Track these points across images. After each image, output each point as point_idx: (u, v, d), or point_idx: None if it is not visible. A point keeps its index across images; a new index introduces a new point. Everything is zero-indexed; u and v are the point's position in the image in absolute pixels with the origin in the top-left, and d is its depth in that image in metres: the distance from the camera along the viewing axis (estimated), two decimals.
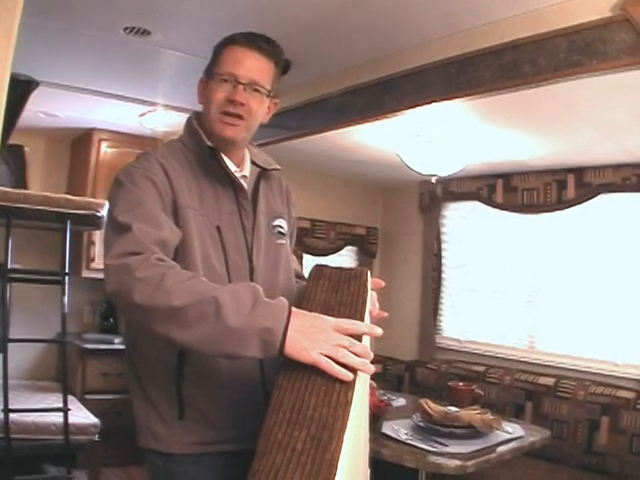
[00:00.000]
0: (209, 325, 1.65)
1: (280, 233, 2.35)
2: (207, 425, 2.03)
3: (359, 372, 1.61)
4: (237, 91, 2.11)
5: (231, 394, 2.05)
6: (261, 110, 2.22)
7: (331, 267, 1.91)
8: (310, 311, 1.74)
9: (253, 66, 2.14)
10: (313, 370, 1.59)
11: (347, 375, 1.57)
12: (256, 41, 2.16)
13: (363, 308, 1.76)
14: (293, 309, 1.67)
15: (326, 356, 1.59)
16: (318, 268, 1.91)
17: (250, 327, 1.63)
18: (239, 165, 2.28)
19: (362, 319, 1.73)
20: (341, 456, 1.41)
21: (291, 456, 1.42)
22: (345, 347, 1.62)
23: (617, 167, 5.43)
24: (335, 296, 1.80)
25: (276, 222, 2.34)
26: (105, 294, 1.83)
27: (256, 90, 2.15)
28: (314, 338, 1.62)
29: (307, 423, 1.48)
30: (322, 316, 1.69)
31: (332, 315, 1.72)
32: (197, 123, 2.22)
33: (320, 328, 1.64)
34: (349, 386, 1.55)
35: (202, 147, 2.16)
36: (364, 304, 1.78)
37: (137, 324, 1.86)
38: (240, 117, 2.14)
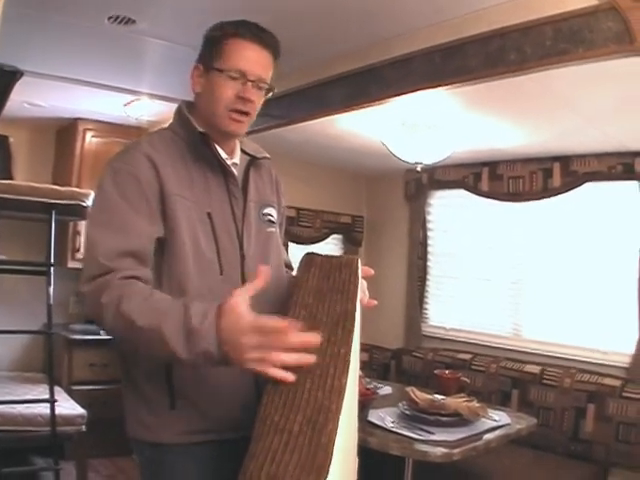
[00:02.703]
0: (161, 352, 1.74)
1: (270, 221, 2.36)
2: (197, 414, 2.04)
3: (351, 363, 1.62)
4: (247, 89, 2.12)
5: (221, 384, 2.05)
6: (260, 104, 2.23)
7: (322, 255, 1.92)
8: (303, 298, 1.77)
9: (260, 63, 2.15)
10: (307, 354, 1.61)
11: (285, 377, 1.58)
12: (261, 36, 2.15)
13: (355, 294, 1.78)
14: (220, 322, 1.65)
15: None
16: (309, 256, 1.92)
17: (194, 356, 1.68)
18: (230, 153, 2.28)
19: (354, 305, 1.74)
20: (337, 439, 1.44)
21: (288, 438, 1.45)
22: (273, 346, 1.61)
23: (603, 156, 5.44)
24: (327, 283, 1.81)
25: (266, 210, 2.36)
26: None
27: (260, 87, 2.16)
28: (239, 348, 1.62)
29: (303, 406, 1.50)
30: (241, 316, 1.64)
31: (325, 302, 1.75)
32: (188, 111, 2.22)
33: (240, 332, 1.63)
34: (343, 370, 1.57)
35: (193, 134, 2.16)
36: (355, 291, 1.80)
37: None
38: (247, 114, 2.16)
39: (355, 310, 1.74)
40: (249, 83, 2.12)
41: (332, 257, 1.91)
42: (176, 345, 1.67)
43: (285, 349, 1.59)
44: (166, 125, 2.32)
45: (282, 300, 2.23)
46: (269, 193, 2.43)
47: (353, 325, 1.70)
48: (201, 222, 2.10)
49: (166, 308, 1.74)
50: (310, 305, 1.76)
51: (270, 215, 2.37)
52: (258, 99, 2.18)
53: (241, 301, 1.63)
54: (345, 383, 1.55)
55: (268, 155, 2.45)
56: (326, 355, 1.61)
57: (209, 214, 2.12)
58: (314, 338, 1.60)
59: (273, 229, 2.37)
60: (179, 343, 1.67)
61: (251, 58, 2.13)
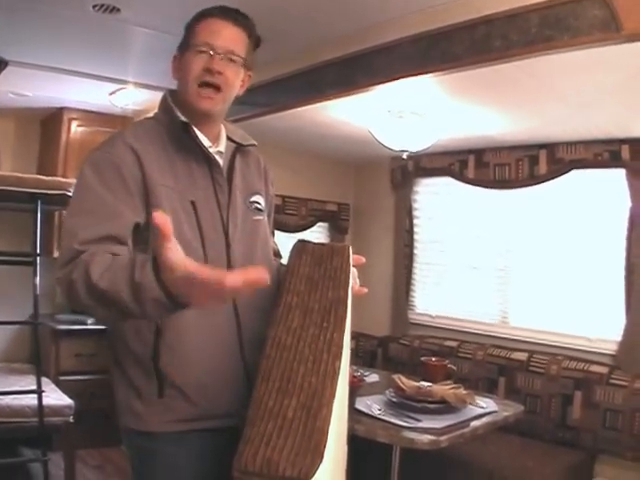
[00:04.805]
0: (124, 313, 1.71)
1: (257, 209, 2.36)
2: (186, 402, 2.04)
3: (343, 348, 1.63)
4: (214, 60, 2.12)
5: (210, 371, 2.06)
6: (237, 81, 2.23)
7: (313, 243, 1.94)
8: (295, 285, 1.78)
9: (228, 36, 2.16)
10: (300, 340, 1.63)
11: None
12: (230, 13, 2.18)
13: (346, 282, 1.80)
14: (159, 274, 1.60)
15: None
16: (301, 244, 1.94)
17: (148, 308, 1.65)
18: (214, 141, 2.28)
19: (346, 292, 1.76)
20: (331, 424, 1.46)
21: (282, 423, 1.47)
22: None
23: (589, 143, 5.44)
24: (319, 270, 1.83)
25: (253, 198, 2.35)
26: None
27: (232, 60, 2.16)
28: (185, 295, 1.59)
29: (297, 392, 1.51)
30: (172, 269, 1.55)
31: (316, 289, 1.76)
32: (172, 100, 2.22)
33: (177, 284, 1.58)
34: (336, 356, 1.59)
35: (176, 123, 2.15)
36: (347, 278, 1.82)
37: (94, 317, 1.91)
38: (218, 88, 2.15)
39: (347, 297, 1.76)
40: (217, 55, 2.13)
41: (324, 245, 1.93)
42: (129, 302, 1.65)
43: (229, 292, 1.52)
44: (151, 114, 2.32)
45: (269, 288, 2.25)
46: (256, 181, 2.43)
47: (345, 311, 1.71)
48: (185, 211, 2.10)
49: (118, 268, 1.71)
50: (302, 292, 1.77)
51: (257, 203, 2.37)
52: (231, 73, 2.18)
53: (169, 254, 1.53)
54: (338, 367, 1.57)
55: (255, 142, 2.44)
56: (319, 341, 1.63)
57: (193, 203, 2.12)
58: (257, 274, 1.50)
59: (260, 217, 2.37)
60: (130, 299, 1.65)
61: (218, 31, 2.15)
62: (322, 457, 1.40)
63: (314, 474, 1.38)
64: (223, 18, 2.16)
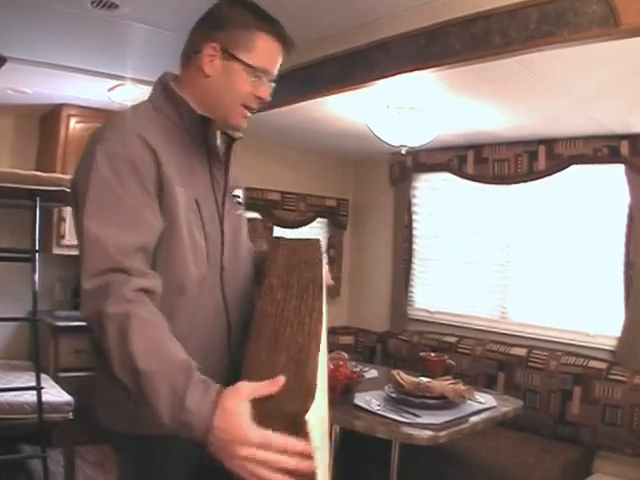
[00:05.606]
0: (142, 401, 1.63)
1: (239, 203, 2.31)
2: None
3: (323, 316, 1.72)
4: (266, 88, 2.11)
5: (204, 370, 2.03)
6: None
7: (286, 238, 2.07)
8: (275, 270, 1.89)
9: (278, 64, 2.15)
10: (284, 309, 1.73)
11: None
12: (286, 37, 2.14)
13: (320, 264, 1.94)
14: (215, 419, 1.52)
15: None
16: (275, 240, 2.06)
17: (175, 427, 1.59)
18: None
19: (320, 272, 1.87)
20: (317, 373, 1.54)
21: (274, 374, 1.53)
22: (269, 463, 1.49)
23: (588, 138, 5.45)
24: (295, 257, 1.96)
25: (235, 192, 2.30)
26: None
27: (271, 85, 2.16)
28: (230, 453, 1.51)
29: (285, 348, 1.61)
30: (240, 425, 1.51)
31: (294, 271, 1.87)
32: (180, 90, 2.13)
33: (237, 440, 1.50)
34: (318, 320, 1.69)
35: (188, 116, 2.08)
36: (320, 261, 1.95)
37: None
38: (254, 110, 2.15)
39: (322, 276, 1.86)
40: (270, 83, 2.12)
41: (296, 239, 2.09)
42: (162, 410, 1.59)
43: (278, 467, 1.47)
44: (147, 101, 2.21)
45: (251, 277, 2.27)
46: (236, 174, 2.35)
47: (321, 286, 1.81)
48: (191, 210, 2.02)
49: (168, 362, 1.63)
50: (282, 275, 1.87)
51: (238, 197, 2.32)
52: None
53: (243, 406, 1.50)
54: (320, 330, 1.65)
55: (241, 134, 2.36)
56: (301, 308, 1.73)
57: (197, 201, 2.04)
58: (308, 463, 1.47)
59: (241, 211, 2.33)
60: (165, 410, 1.58)
61: (277, 61, 2.13)
62: (313, 397, 1.46)
63: (309, 409, 1.44)
64: (283, 45, 2.13)
